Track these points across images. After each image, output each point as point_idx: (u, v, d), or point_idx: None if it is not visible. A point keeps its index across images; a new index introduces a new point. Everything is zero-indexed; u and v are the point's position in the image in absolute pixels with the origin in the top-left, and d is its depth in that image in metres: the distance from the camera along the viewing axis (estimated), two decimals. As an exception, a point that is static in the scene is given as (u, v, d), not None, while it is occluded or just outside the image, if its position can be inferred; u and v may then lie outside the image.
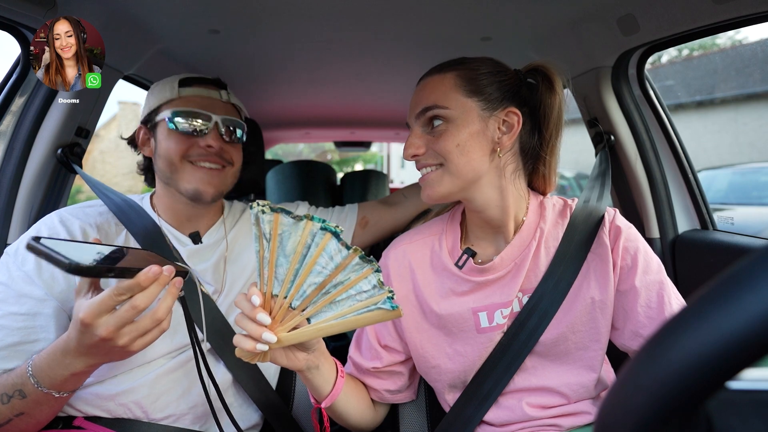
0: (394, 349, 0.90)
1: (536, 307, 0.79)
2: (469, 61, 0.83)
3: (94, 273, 0.59)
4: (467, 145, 0.78)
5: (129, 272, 0.62)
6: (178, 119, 0.93)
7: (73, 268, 0.56)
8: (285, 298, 0.62)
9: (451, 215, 0.94)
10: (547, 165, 0.86)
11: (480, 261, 0.86)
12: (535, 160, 0.87)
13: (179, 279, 0.69)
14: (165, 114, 0.94)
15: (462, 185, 0.80)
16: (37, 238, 0.58)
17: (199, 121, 0.94)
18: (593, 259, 0.82)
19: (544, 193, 0.90)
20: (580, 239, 0.82)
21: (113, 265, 0.61)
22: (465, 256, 0.85)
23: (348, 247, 0.59)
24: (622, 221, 0.84)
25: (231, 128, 0.99)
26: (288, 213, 0.58)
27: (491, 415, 0.83)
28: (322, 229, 0.59)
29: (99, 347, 0.65)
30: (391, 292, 0.61)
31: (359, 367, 0.92)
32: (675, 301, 0.78)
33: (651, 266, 0.80)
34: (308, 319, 0.64)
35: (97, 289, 0.68)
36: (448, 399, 0.88)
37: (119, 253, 0.67)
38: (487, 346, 0.82)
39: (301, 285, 0.61)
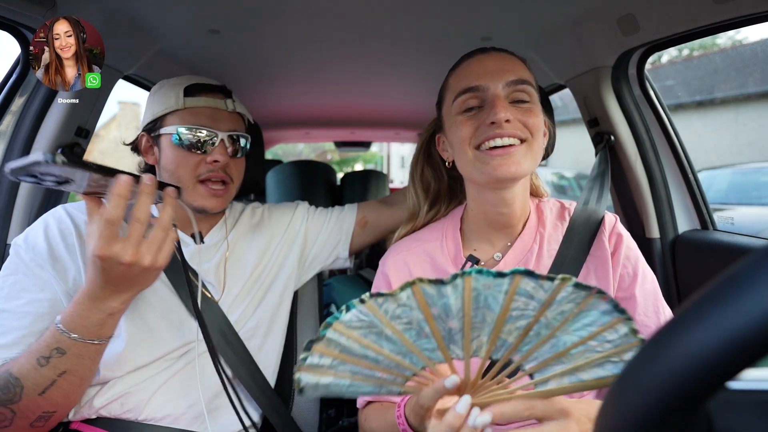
0: None
1: None
2: None
3: (70, 165, 0.59)
4: (543, 129, 0.81)
5: (105, 169, 0.63)
6: (184, 135, 0.92)
7: (49, 159, 0.56)
8: (483, 358, 0.51)
9: (450, 221, 0.93)
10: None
11: (483, 264, 0.86)
12: None
13: (172, 188, 0.71)
14: (170, 128, 0.93)
15: (534, 168, 0.81)
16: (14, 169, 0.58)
17: (204, 135, 0.93)
18: (593, 262, 0.82)
19: (539, 197, 0.91)
20: (580, 242, 0.82)
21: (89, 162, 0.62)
22: (469, 264, 0.85)
23: (551, 279, 0.47)
24: (623, 229, 0.85)
25: (236, 143, 0.98)
26: (433, 282, 0.48)
27: (491, 414, 0.83)
28: (498, 276, 0.47)
29: (127, 276, 0.67)
30: (643, 341, 0.47)
31: None
32: (667, 311, 0.81)
33: (647, 276, 0.82)
34: (531, 375, 0.52)
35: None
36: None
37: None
38: None
39: (498, 336, 0.50)
